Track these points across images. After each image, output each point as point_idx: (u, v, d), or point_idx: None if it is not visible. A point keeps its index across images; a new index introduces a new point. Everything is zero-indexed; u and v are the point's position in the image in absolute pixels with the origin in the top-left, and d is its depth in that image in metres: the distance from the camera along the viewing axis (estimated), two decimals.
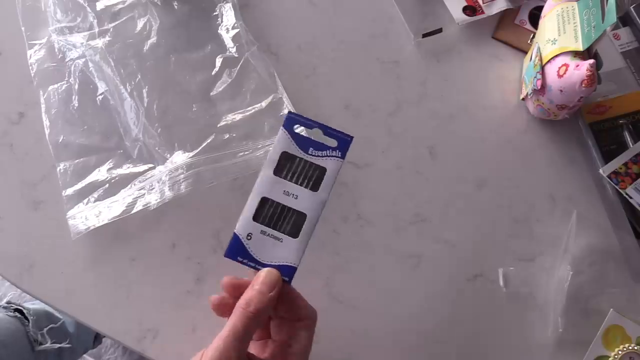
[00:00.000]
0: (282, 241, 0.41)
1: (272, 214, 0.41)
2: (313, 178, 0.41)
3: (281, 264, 0.40)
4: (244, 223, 0.41)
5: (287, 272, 0.40)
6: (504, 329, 0.52)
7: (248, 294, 0.37)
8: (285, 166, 0.41)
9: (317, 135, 0.43)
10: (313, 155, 0.42)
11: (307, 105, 0.56)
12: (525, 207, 0.55)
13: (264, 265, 0.40)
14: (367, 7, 0.60)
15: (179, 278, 0.51)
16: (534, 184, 0.56)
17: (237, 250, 0.40)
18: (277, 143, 0.41)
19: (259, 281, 0.38)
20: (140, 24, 0.55)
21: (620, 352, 0.51)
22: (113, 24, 0.55)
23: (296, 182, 0.41)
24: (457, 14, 0.59)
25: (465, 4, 0.59)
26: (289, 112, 0.42)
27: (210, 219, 0.53)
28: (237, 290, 0.39)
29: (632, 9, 0.60)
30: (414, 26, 0.59)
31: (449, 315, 0.52)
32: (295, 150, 0.41)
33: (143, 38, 0.55)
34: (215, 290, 0.51)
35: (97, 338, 0.96)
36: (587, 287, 0.53)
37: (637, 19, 0.60)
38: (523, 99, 0.57)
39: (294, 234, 0.41)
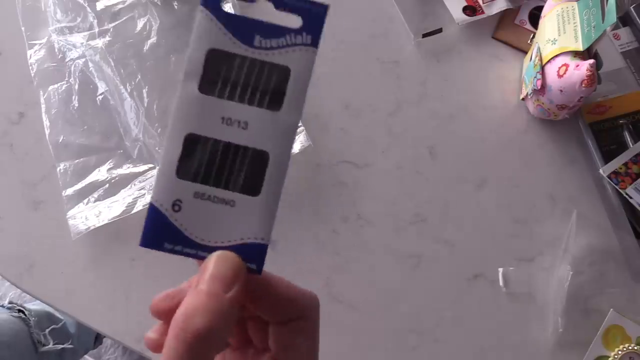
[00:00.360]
0: (233, 205, 0.25)
1: (209, 162, 0.25)
2: (269, 88, 0.25)
3: (239, 242, 0.25)
4: (163, 184, 0.25)
5: (252, 254, 0.25)
6: (503, 329, 0.52)
7: (189, 301, 0.22)
8: (217, 74, 0.25)
9: (263, 11, 0.27)
10: (263, 48, 0.25)
11: (307, 105, 0.56)
12: (525, 207, 0.55)
13: (211, 249, 0.25)
14: (367, 7, 0.60)
15: (178, 278, 0.51)
16: (534, 184, 0.56)
17: (160, 232, 0.25)
18: (196, 36, 0.25)
19: (206, 276, 0.23)
20: (140, 24, 0.55)
21: (620, 352, 0.51)
22: (113, 24, 0.55)
23: (241, 100, 0.25)
24: (457, 14, 0.59)
25: (465, 4, 0.59)
26: None
27: None
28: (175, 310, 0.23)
29: (632, 9, 0.60)
30: (414, 26, 0.59)
31: (449, 315, 0.52)
32: (230, 44, 0.25)
33: (143, 38, 0.55)
34: None
35: (98, 339, 0.96)
36: (587, 287, 0.53)
37: (637, 19, 0.60)
38: (523, 99, 0.57)
39: (252, 189, 0.25)
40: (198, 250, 0.25)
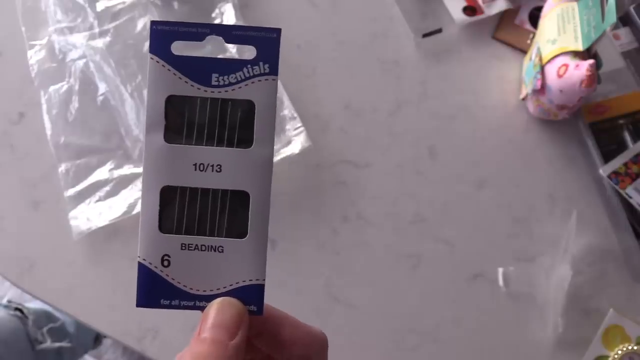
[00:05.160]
0: (222, 250, 0.24)
1: (190, 211, 0.24)
2: (236, 125, 0.24)
3: (235, 286, 0.24)
4: (148, 241, 0.24)
5: (250, 296, 0.24)
6: (503, 329, 0.52)
7: (194, 350, 0.22)
8: (181, 121, 0.24)
9: (213, 48, 0.29)
10: (222, 86, 0.24)
11: (307, 105, 0.56)
12: (525, 207, 0.55)
13: (209, 298, 0.24)
14: (367, 7, 0.60)
15: None
16: (534, 184, 0.56)
17: (154, 290, 0.25)
18: (152, 85, 0.24)
19: (208, 324, 0.23)
20: (140, 24, 0.55)
21: (619, 352, 0.51)
22: (113, 24, 0.55)
23: (209, 143, 0.24)
24: (457, 14, 0.59)
25: (465, 4, 0.59)
26: (152, 22, 0.24)
27: None
28: None
29: (632, 9, 0.60)
30: (414, 26, 0.59)
31: (449, 315, 0.52)
32: (188, 88, 0.24)
33: (143, 38, 0.55)
34: None
35: (97, 339, 0.96)
36: (587, 287, 0.53)
37: (637, 19, 0.60)
38: (523, 99, 0.57)
39: (238, 231, 0.24)
40: (195, 301, 0.24)
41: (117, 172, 0.52)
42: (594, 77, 0.47)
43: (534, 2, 0.61)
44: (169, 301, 0.25)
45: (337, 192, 0.54)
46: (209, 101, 0.24)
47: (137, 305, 0.25)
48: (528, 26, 0.60)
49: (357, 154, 0.55)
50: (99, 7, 0.56)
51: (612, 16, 0.46)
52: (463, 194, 0.55)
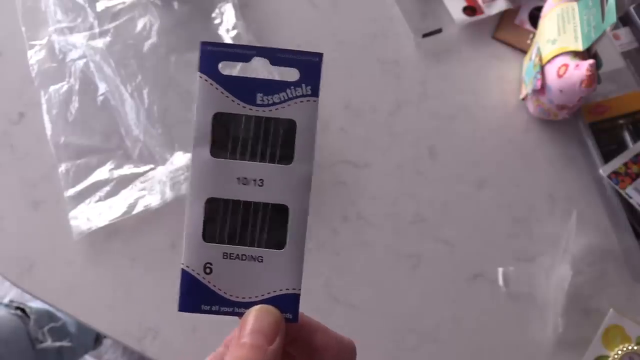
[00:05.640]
0: (262, 260, 0.26)
1: (233, 222, 0.26)
2: (278, 142, 0.26)
3: (273, 295, 0.26)
4: (192, 250, 0.26)
5: (286, 304, 0.26)
6: (503, 329, 0.52)
7: (234, 354, 0.23)
8: (226, 137, 0.26)
9: (261, 69, 0.31)
10: (266, 105, 0.26)
11: None
12: (525, 207, 0.55)
13: (247, 305, 0.26)
14: (367, 7, 0.60)
15: (179, 278, 0.51)
16: (534, 184, 0.56)
17: (196, 296, 0.26)
18: (200, 102, 0.26)
19: (247, 330, 0.24)
20: (140, 24, 0.56)
21: (620, 352, 0.51)
22: (113, 24, 0.55)
23: (253, 159, 0.26)
24: (457, 14, 0.59)
25: (465, 4, 0.59)
26: (202, 43, 0.26)
27: None
28: None
29: (632, 9, 0.60)
30: (414, 26, 0.59)
31: (449, 315, 0.52)
32: (234, 106, 0.26)
33: (143, 38, 0.55)
34: None
35: (98, 340, 0.96)
36: (587, 287, 0.53)
37: (637, 19, 0.60)
38: (523, 99, 0.57)
39: (277, 243, 0.26)
40: (234, 308, 0.26)
41: (117, 172, 0.52)
42: (594, 77, 0.47)
43: (534, 2, 0.61)
44: (209, 307, 0.26)
45: (337, 192, 0.54)
46: (253, 119, 0.26)
47: (179, 310, 0.26)
48: (528, 26, 0.60)
49: (357, 154, 0.55)
50: (99, 7, 0.56)
51: (612, 16, 0.46)
52: (463, 194, 0.55)
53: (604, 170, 0.54)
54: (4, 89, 0.55)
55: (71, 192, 0.51)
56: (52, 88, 0.53)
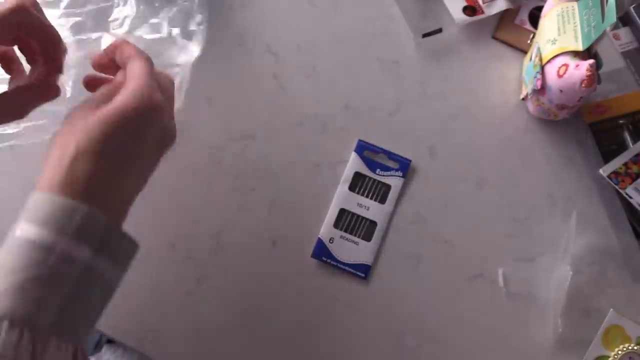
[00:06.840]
0: (358, 244, 0.52)
1: (349, 222, 0.52)
2: (380, 193, 0.53)
3: (358, 262, 0.51)
4: (326, 229, 0.52)
5: (363, 269, 0.51)
6: (504, 329, 0.52)
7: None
8: (357, 183, 0.53)
9: (382, 158, 0.54)
10: (380, 175, 0.53)
11: (307, 105, 0.56)
12: (525, 207, 0.55)
13: (345, 265, 0.51)
14: (367, 7, 0.60)
15: (179, 278, 0.51)
16: (534, 184, 0.56)
17: (322, 252, 0.51)
18: (350, 164, 0.53)
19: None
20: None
21: (620, 352, 0.51)
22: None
23: (367, 196, 0.53)
24: (457, 14, 0.59)
25: (465, 4, 0.59)
26: (360, 141, 0.54)
27: (210, 219, 0.53)
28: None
29: (632, 9, 0.60)
30: (413, 26, 0.59)
31: (449, 315, 0.52)
32: (365, 171, 0.53)
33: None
34: (215, 290, 0.51)
35: (98, 345, 0.96)
36: (587, 287, 0.53)
37: (637, 19, 0.60)
38: (523, 99, 0.57)
39: (368, 238, 0.52)
40: (338, 263, 0.51)
41: None
42: (594, 77, 0.47)
43: (534, 2, 0.61)
44: (326, 259, 0.51)
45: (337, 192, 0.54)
46: (372, 179, 0.53)
47: (312, 256, 0.51)
48: (528, 26, 0.60)
49: None
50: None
51: (612, 16, 0.46)
52: (463, 194, 0.55)
53: (604, 171, 0.54)
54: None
55: None
56: None
